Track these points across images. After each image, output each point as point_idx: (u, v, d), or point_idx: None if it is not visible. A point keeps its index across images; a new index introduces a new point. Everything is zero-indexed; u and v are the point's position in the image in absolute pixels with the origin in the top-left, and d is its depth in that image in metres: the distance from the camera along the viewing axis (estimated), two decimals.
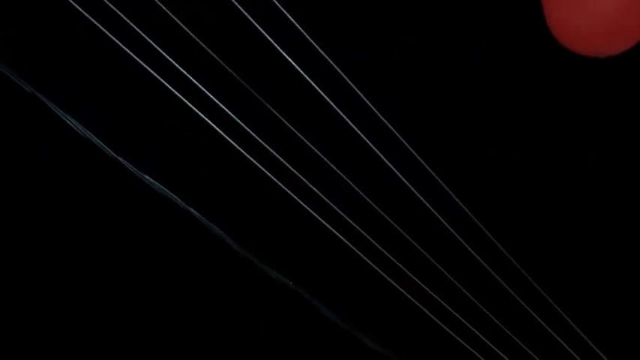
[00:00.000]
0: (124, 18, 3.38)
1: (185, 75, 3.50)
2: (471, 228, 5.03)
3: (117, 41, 3.32)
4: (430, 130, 5.96)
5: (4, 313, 5.10)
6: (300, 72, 4.16)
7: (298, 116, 4.48)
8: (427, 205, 4.69)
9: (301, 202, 4.06)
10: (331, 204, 4.46)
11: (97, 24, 3.30)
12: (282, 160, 3.96)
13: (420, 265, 5.08)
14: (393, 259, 4.60)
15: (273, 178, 3.87)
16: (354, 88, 4.03)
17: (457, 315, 4.94)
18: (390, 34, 4.06)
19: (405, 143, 4.01)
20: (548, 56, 3.45)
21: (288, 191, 3.85)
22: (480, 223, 4.05)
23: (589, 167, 5.10)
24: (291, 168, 4.08)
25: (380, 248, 4.72)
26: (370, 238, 4.74)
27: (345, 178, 4.35)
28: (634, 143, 5.14)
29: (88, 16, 3.26)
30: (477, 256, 4.96)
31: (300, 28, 3.49)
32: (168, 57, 3.37)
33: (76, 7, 3.23)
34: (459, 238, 4.66)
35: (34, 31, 3.66)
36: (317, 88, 4.83)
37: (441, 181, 4.32)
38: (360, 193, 4.36)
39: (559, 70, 2.43)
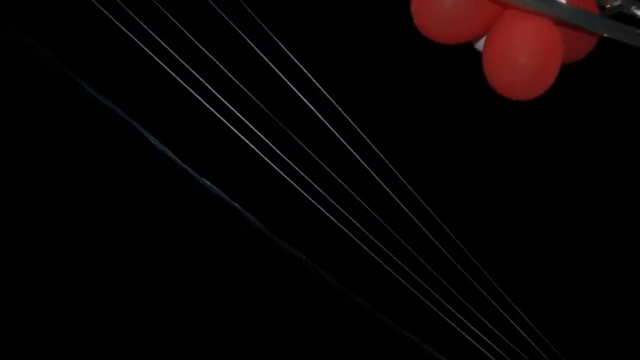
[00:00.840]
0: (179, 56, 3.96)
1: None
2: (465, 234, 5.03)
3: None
4: (434, 134, 5.89)
5: (8, 312, 5.13)
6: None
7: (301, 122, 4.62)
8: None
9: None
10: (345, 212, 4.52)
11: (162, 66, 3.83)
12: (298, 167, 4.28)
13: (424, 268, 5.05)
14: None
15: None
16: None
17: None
18: (390, 34, 4.02)
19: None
20: None
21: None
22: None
23: (592, 171, 5.03)
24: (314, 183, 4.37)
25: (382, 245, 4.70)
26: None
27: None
28: (633, 147, 5.07)
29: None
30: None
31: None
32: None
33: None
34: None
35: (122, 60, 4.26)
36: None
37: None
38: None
39: (559, 73, 2.48)
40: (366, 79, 6.23)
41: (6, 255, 8.02)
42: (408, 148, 7.63)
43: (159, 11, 5.21)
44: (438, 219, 5.38)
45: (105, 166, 8.39)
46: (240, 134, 4.71)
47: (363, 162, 4.90)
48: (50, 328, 8.14)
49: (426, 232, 5.35)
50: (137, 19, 4.57)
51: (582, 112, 6.27)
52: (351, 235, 4.88)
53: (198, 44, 5.09)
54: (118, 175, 8.50)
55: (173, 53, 4.55)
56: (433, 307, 4.86)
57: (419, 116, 7.36)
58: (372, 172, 5.21)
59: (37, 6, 6.83)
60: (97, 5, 4.15)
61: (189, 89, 4.56)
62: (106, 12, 4.21)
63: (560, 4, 2.45)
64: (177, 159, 3.87)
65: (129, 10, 4.44)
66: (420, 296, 4.86)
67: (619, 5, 2.47)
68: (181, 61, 4.53)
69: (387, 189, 5.30)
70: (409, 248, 5.16)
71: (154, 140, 3.90)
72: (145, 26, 4.59)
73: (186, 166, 3.87)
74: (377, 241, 5.09)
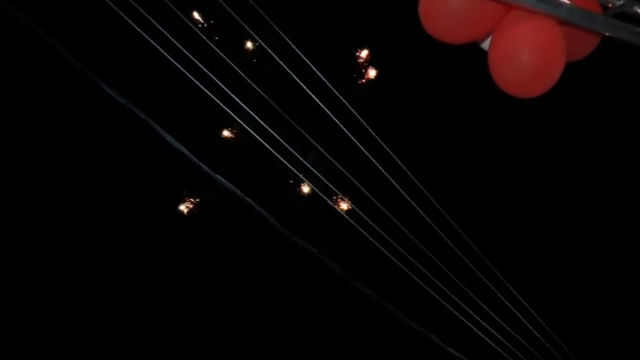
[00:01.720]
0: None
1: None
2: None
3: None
4: (440, 131, 5.98)
5: (8, 312, 5.26)
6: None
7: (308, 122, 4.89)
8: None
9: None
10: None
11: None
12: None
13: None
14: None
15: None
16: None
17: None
18: (390, 34, 4.11)
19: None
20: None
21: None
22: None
23: (597, 167, 5.08)
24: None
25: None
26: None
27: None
28: (636, 145, 5.13)
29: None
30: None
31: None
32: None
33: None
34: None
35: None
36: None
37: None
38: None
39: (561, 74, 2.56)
40: (366, 79, 6.31)
41: (12, 254, 8.10)
42: (412, 141, 7.71)
43: (173, 12, 5.30)
44: (446, 215, 5.45)
45: (118, 163, 8.49)
46: (253, 132, 4.83)
47: (381, 167, 5.02)
48: (60, 324, 8.22)
49: (434, 226, 5.42)
50: (150, 18, 4.65)
51: (586, 110, 6.32)
52: (359, 228, 4.97)
53: (218, 49, 5.22)
54: (131, 172, 8.60)
55: (191, 57, 4.69)
56: (440, 300, 4.94)
57: (428, 115, 7.45)
58: (383, 171, 5.29)
59: (52, 3, 6.92)
60: (111, 4, 4.24)
61: (201, 85, 4.66)
62: (119, 11, 4.30)
63: (564, 5, 2.50)
64: (191, 155, 3.97)
65: (141, 9, 4.53)
66: (429, 289, 4.93)
67: (621, 5, 2.53)
68: (197, 62, 4.65)
69: (396, 185, 5.38)
70: (417, 242, 5.23)
71: (169, 138, 4.00)
72: (160, 26, 4.68)
73: (200, 163, 3.98)
74: (388, 237, 5.17)
